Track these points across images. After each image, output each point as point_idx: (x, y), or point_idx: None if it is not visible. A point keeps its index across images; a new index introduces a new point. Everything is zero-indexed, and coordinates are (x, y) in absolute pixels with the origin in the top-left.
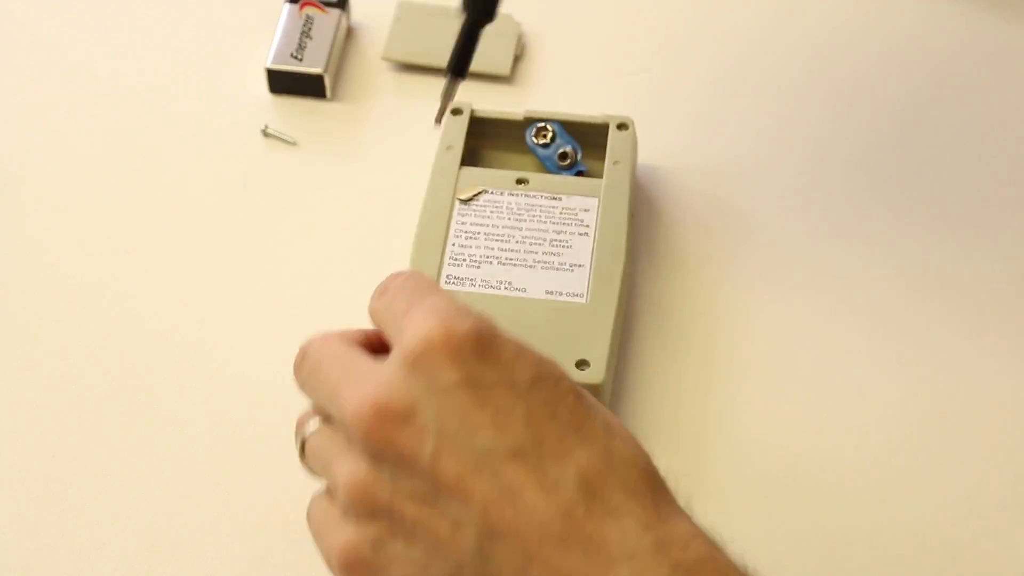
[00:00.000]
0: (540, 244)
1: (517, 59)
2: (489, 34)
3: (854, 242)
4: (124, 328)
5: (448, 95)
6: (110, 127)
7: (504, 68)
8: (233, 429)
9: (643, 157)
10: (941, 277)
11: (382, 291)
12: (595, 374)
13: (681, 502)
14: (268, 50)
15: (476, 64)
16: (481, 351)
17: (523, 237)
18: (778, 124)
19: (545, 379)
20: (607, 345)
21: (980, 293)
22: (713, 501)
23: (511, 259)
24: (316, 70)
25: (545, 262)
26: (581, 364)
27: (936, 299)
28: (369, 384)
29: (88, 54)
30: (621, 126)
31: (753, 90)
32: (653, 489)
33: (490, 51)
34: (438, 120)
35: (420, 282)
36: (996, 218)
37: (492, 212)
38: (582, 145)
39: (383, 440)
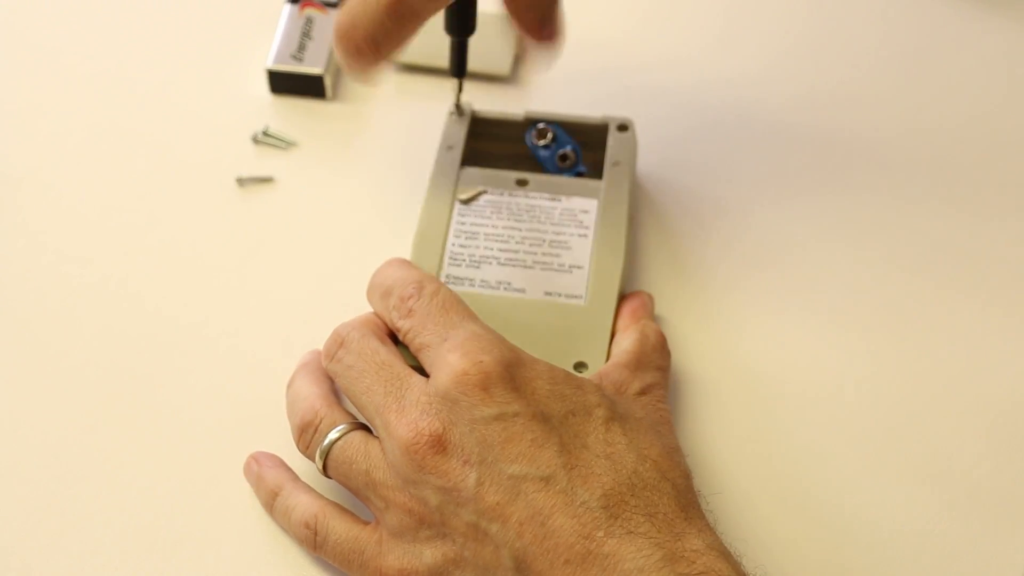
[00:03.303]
0: (539, 245)
1: (517, 59)
2: (489, 35)
3: (854, 241)
4: (125, 328)
5: (459, 92)
6: (111, 127)
7: (504, 68)
8: (233, 428)
9: (643, 158)
10: (941, 271)
11: (407, 312)
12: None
13: (709, 518)
14: (269, 51)
15: (476, 64)
16: (513, 385)
17: (523, 238)
18: (779, 125)
19: (578, 413)
20: (605, 348)
21: (979, 289)
22: (712, 495)
23: (511, 260)
24: (316, 70)
25: (544, 263)
26: (579, 366)
27: (933, 298)
28: (416, 413)
29: (89, 55)
30: (621, 127)
31: (754, 91)
32: (675, 508)
33: (490, 51)
34: (458, 113)
35: (447, 306)
36: (988, 206)
37: (492, 213)
38: (582, 146)
39: (433, 471)
